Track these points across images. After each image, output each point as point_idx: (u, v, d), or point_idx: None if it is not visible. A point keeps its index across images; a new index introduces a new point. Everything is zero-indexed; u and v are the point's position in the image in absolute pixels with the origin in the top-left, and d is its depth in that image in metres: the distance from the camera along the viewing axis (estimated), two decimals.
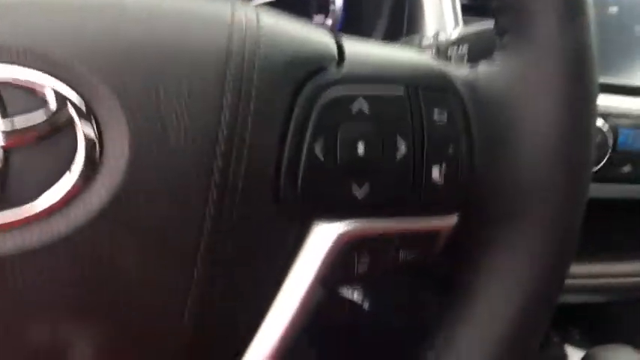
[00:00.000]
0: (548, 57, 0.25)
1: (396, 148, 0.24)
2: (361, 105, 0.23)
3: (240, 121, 0.22)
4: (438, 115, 0.24)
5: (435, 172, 0.24)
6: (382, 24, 0.52)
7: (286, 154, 0.23)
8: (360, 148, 0.23)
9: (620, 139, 0.54)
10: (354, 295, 0.35)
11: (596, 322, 0.74)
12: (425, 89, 0.24)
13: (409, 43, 0.45)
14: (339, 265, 0.25)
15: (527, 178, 0.25)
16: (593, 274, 0.61)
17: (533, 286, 0.26)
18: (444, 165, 0.24)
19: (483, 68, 0.26)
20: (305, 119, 0.23)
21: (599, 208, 0.56)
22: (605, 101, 0.53)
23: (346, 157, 0.23)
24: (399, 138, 0.24)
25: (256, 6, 0.24)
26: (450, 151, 0.24)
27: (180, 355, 0.23)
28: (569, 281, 0.62)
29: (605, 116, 0.53)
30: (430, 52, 0.40)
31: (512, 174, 0.25)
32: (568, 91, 0.25)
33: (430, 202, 0.25)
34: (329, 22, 0.55)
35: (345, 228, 0.24)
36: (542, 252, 0.26)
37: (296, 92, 0.23)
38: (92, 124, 0.21)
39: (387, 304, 0.36)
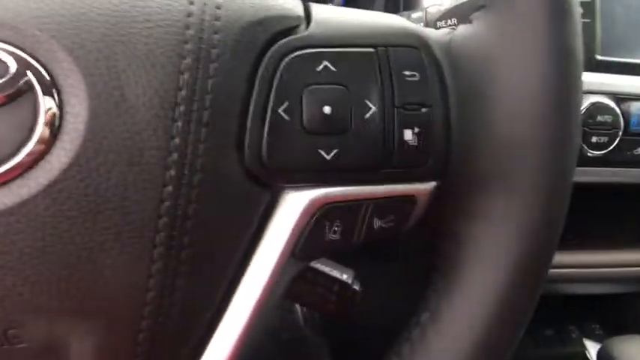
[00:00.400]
0: (527, 10, 0.23)
1: (364, 108, 0.23)
2: (327, 64, 0.23)
3: (200, 84, 0.21)
4: (410, 75, 0.23)
5: (408, 134, 0.23)
6: (379, 4, 0.52)
7: (250, 116, 0.22)
8: (327, 109, 0.22)
9: (633, 121, 0.52)
10: (344, 276, 0.34)
11: (616, 315, 0.72)
12: (395, 49, 0.24)
13: None
14: (310, 234, 0.24)
15: (506, 138, 0.24)
16: (606, 263, 0.59)
17: (519, 256, 0.25)
18: (416, 126, 0.23)
19: (461, 30, 0.25)
20: (269, 80, 0.22)
21: (612, 193, 0.55)
22: (617, 82, 0.52)
23: (312, 117, 0.22)
24: (367, 97, 0.23)
25: None
26: (423, 111, 0.23)
27: (145, 333, 0.23)
28: (584, 271, 0.60)
29: (617, 97, 0.52)
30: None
31: (490, 136, 0.24)
32: (549, 44, 0.23)
33: (404, 166, 0.24)
34: None
35: (315, 194, 0.23)
36: (526, 218, 0.24)
37: (261, 54, 0.23)
38: (51, 90, 0.21)
39: (373, 286, 0.35)
